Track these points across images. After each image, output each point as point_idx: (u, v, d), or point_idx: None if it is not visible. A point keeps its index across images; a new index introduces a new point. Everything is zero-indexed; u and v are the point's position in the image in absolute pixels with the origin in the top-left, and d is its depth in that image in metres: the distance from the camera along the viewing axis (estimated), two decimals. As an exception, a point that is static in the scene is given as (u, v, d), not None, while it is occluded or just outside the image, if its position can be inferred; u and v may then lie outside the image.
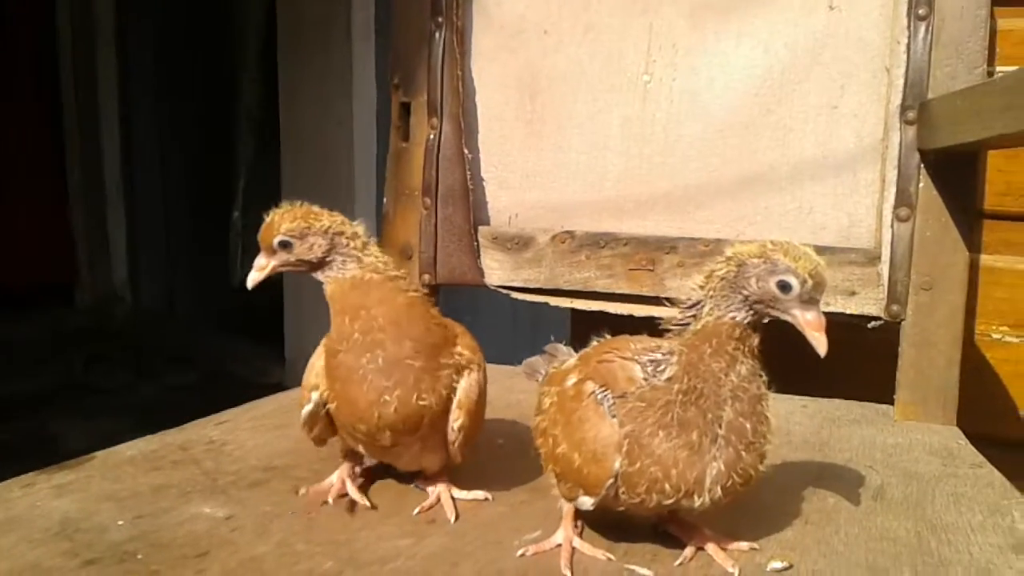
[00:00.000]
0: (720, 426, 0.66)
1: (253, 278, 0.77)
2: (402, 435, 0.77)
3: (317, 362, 0.80)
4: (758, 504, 0.80)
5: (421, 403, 0.75)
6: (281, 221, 0.75)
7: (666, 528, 0.73)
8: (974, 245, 1.05)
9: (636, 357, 0.70)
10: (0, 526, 0.73)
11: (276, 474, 0.87)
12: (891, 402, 1.09)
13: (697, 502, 0.67)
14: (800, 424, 1.05)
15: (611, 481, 0.68)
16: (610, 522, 0.74)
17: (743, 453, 0.66)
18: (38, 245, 4.07)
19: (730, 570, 0.68)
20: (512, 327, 2.16)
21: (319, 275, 0.77)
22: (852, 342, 1.51)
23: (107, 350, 3.69)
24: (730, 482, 0.66)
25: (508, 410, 1.09)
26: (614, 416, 0.68)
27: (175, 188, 4.25)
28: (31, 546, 0.70)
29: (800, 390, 1.16)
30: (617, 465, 0.68)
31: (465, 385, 0.78)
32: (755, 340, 0.67)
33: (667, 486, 0.66)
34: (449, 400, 0.77)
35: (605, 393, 0.70)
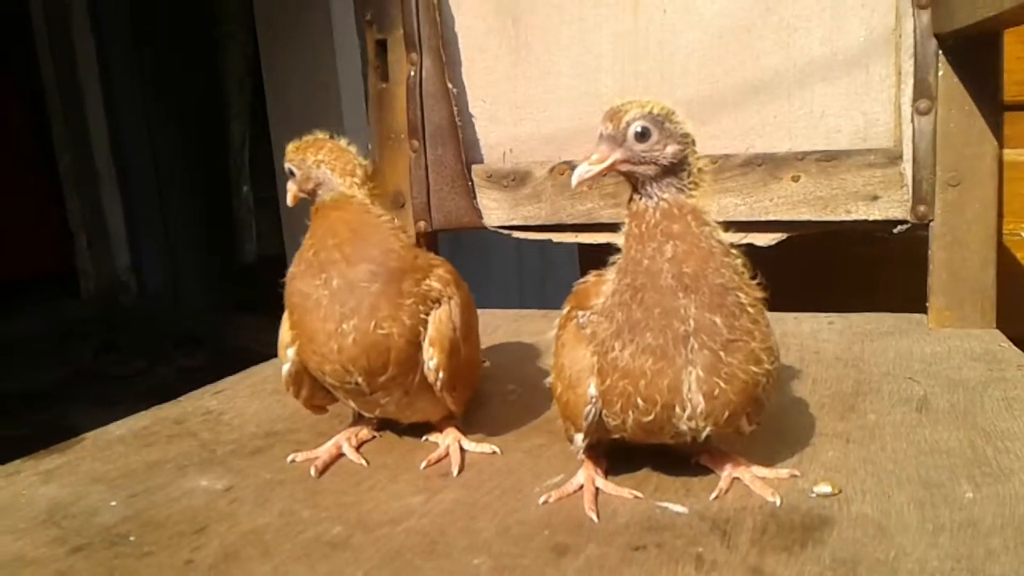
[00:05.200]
0: (687, 324, 0.58)
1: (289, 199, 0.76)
2: (372, 375, 0.71)
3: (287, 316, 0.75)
4: (793, 426, 0.74)
5: (381, 332, 0.69)
6: (289, 150, 0.75)
7: (699, 460, 0.67)
8: (1001, 135, 0.97)
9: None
10: (-18, 519, 0.68)
11: (277, 440, 0.82)
12: (924, 311, 1.02)
13: (684, 416, 0.59)
14: (829, 341, 0.99)
15: (590, 408, 0.62)
16: (640, 457, 0.68)
17: (722, 354, 0.58)
18: (35, 236, 4.01)
19: (770, 499, 0.61)
20: (519, 271, 2.09)
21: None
22: (878, 255, 1.45)
23: (116, 338, 3.65)
24: (717, 390, 0.59)
25: (518, 354, 1.04)
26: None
27: (169, 168, 4.16)
28: (15, 537, 0.65)
29: (826, 309, 1.10)
30: (592, 388, 0.62)
31: (435, 319, 0.72)
32: (653, 217, 0.59)
33: (639, 400, 0.59)
34: (417, 334, 0.71)
35: (585, 314, 0.64)
